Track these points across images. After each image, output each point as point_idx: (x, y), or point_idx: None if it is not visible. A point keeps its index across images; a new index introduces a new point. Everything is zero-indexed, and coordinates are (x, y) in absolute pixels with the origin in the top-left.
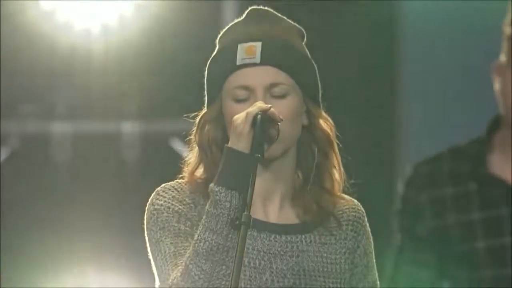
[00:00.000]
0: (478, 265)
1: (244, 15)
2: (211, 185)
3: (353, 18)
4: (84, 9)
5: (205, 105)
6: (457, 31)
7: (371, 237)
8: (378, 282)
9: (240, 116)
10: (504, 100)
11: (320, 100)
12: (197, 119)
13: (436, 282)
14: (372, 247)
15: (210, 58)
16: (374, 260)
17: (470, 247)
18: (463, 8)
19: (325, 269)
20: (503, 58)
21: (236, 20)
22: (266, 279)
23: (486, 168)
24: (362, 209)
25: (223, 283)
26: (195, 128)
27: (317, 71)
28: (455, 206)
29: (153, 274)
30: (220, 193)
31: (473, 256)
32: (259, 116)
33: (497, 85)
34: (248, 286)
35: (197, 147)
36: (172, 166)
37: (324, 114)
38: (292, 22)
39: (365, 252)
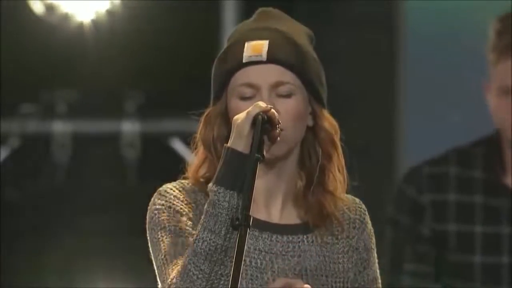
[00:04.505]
0: (472, 279)
1: (253, 16)
2: (210, 184)
3: (353, 18)
4: (82, 5)
5: (211, 102)
6: (458, 30)
7: (373, 235)
8: (379, 281)
9: (240, 116)
10: (496, 119)
11: (325, 101)
12: (203, 116)
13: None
14: (374, 244)
15: (218, 56)
16: (376, 258)
17: (467, 259)
18: (464, 7)
19: (327, 268)
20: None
21: (245, 21)
22: (268, 279)
23: (496, 178)
24: (364, 206)
25: (222, 283)
26: (200, 125)
27: (323, 73)
28: (458, 215)
29: (154, 275)
30: (219, 192)
31: (469, 269)
32: (259, 117)
33: (489, 103)
34: (250, 285)
35: (201, 145)
36: (172, 166)
37: (329, 115)
38: (301, 24)
39: (365, 247)
